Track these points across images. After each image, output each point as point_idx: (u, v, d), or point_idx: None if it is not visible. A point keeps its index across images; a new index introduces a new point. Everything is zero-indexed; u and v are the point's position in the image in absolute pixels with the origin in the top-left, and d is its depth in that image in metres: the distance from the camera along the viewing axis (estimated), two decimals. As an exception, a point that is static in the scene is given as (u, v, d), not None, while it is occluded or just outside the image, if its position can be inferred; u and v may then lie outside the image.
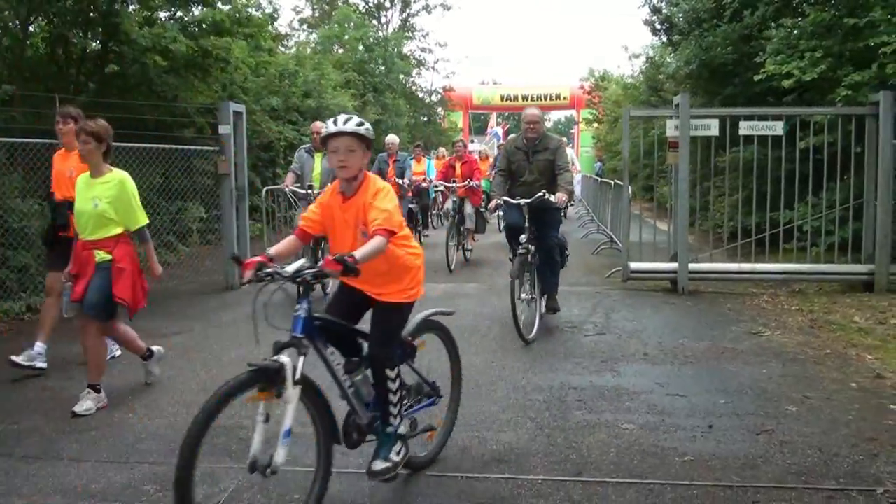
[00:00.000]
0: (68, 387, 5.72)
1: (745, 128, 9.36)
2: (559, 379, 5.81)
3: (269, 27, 14.40)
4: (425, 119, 32.46)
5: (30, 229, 8.63)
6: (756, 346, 6.81)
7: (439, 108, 35.17)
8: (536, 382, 5.72)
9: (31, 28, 10.79)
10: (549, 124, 75.84)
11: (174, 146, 10.27)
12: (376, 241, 3.50)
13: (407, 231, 4.00)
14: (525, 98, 39.18)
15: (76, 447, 4.57)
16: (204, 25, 10.89)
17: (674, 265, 9.38)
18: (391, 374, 3.88)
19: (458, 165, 12.51)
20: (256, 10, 12.55)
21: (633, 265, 9.60)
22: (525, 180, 7.34)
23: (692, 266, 9.38)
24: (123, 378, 5.97)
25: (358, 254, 3.38)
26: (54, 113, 8.96)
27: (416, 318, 4.22)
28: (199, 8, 11.21)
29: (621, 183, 14.09)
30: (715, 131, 9.39)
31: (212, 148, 10.46)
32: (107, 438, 4.70)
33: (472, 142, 39.23)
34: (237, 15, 11.30)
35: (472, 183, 11.88)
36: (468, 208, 11.91)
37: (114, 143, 9.29)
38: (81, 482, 4.07)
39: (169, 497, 3.81)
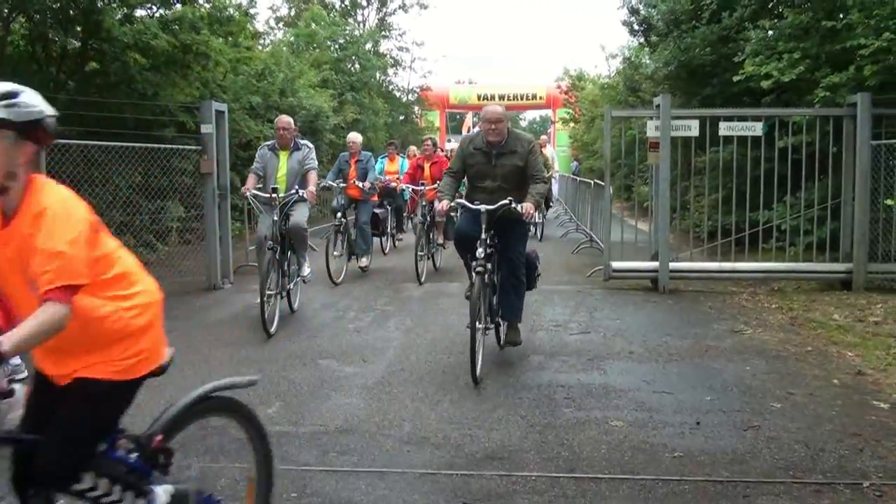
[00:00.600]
0: None
1: (724, 128, 9.48)
2: (547, 377, 5.86)
3: (249, 27, 14.33)
4: (402, 118, 32.45)
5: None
6: (738, 343, 6.90)
7: (416, 108, 35.17)
8: (525, 381, 5.77)
9: (11, 25, 10.65)
10: (523, 123, 76.13)
11: (154, 145, 10.19)
12: (45, 315, 2.26)
13: (119, 270, 2.62)
14: (502, 97, 39.18)
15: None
16: (183, 23, 10.82)
17: (655, 264, 9.47)
18: None
19: (426, 166, 11.45)
20: (234, 10, 12.44)
21: (615, 264, 9.68)
22: (486, 187, 6.13)
23: (673, 265, 9.48)
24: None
25: (7, 341, 2.19)
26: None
27: (186, 398, 2.99)
28: (179, 6, 11.14)
29: (601, 183, 14.21)
30: (695, 132, 9.49)
31: (192, 147, 10.40)
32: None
33: (450, 141, 39.32)
34: (218, 14, 11.25)
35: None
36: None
37: (94, 143, 9.37)
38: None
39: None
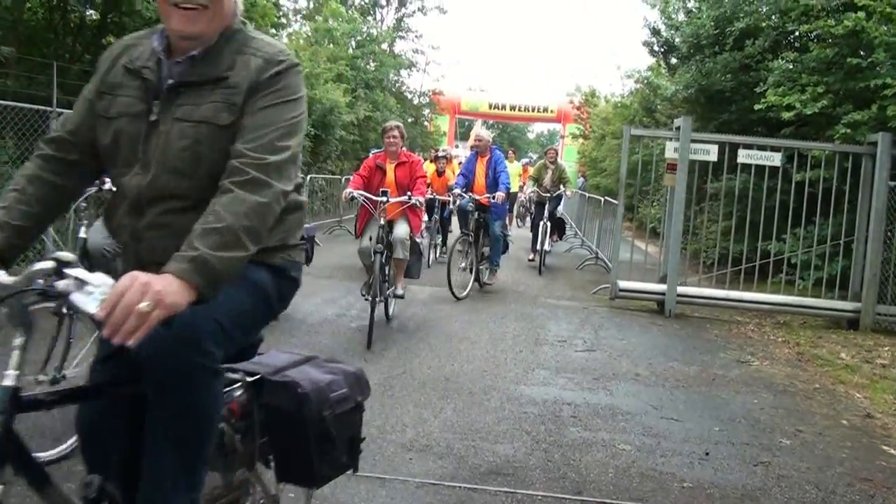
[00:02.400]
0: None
1: (743, 156, 9.38)
2: (553, 393, 5.74)
3: (274, 16, 14.21)
4: (412, 120, 32.34)
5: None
6: (745, 374, 6.80)
7: (426, 111, 35.07)
8: (529, 395, 5.64)
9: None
10: (531, 136, 76.41)
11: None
12: None
13: None
14: (513, 108, 39.33)
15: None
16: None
17: (662, 287, 9.37)
18: None
19: (389, 168, 7.73)
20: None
21: (622, 284, 9.57)
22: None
23: (680, 289, 9.37)
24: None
25: None
26: (51, 79, 8.80)
27: None
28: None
29: (612, 201, 14.11)
30: (714, 157, 9.41)
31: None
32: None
33: (457, 146, 39.26)
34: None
35: (414, 200, 7.37)
36: (399, 228, 7.47)
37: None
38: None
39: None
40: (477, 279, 9.90)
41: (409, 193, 7.38)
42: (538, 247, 12.69)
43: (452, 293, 9.19)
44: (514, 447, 4.58)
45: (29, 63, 9.88)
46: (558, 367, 6.55)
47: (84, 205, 4.70)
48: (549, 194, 12.91)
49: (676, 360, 7.07)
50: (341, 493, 3.77)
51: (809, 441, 5.14)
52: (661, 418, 5.35)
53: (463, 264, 9.66)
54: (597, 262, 13.78)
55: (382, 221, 7.14)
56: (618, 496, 3.99)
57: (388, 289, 7.53)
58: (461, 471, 4.17)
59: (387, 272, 7.41)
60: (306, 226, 7.38)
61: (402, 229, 7.44)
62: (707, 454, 4.70)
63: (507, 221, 14.09)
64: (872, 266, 8.93)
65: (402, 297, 7.80)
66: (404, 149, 7.85)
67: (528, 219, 21.27)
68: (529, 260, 13.30)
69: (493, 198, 9.44)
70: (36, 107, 8.53)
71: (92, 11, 10.92)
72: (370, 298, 6.83)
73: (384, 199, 7.12)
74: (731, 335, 8.52)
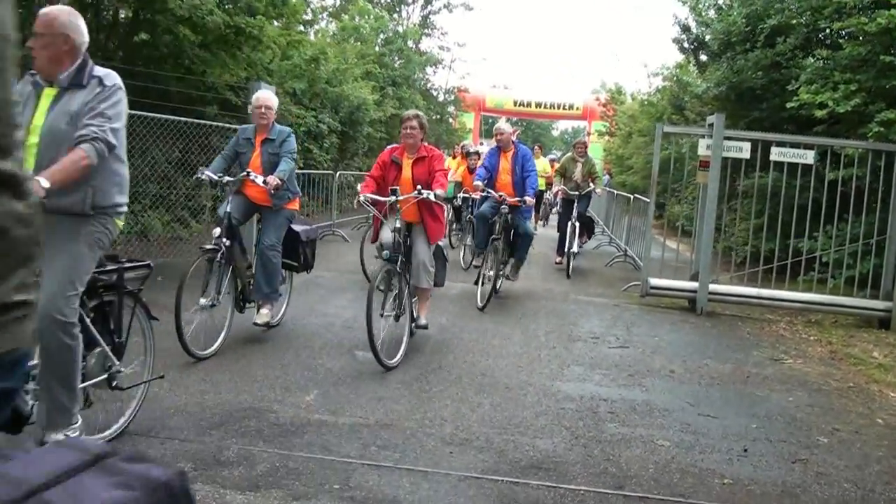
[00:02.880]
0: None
1: (776, 154, 9.33)
2: (589, 389, 5.77)
3: (304, 14, 14.31)
4: (437, 118, 32.39)
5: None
6: (779, 372, 6.78)
7: (451, 108, 35.10)
8: (566, 391, 5.68)
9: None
10: (555, 133, 76.28)
11: (195, 121, 10.20)
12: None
13: None
14: (538, 105, 39.22)
15: (102, 417, 4.48)
16: (238, 3, 10.80)
17: (694, 284, 9.35)
18: None
19: (406, 164, 6.62)
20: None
21: (653, 281, 9.56)
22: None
23: (712, 287, 9.35)
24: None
25: None
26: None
27: None
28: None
29: (641, 198, 14.09)
30: (746, 154, 9.38)
31: (233, 126, 10.38)
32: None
33: (482, 144, 39.23)
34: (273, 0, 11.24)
35: (427, 193, 6.22)
36: (419, 247, 6.56)
37: (137, 112, 9.33)
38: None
39: (207, 476, 3.78)
40: (494, 288, 8.78)
41: (419, 187, 6.25)
42: (566, 248, 11.78)
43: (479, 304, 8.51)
44: (554, 442, 4.62)
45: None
46: (592, 363, 6.58)
47: None
48: (577, 192, 12.04)
49: (710, 358, 7.07)
50: (386, 486, 3.84)
51: (846, 439, 5.14)
52: (699, 415, 5.37)
53: (487, 272, 8.76)
54: (625, 259, 13.75)
55: (398, 224, 6.25)
56: (659, 491, 4.02)
57: (400, 313, 6.31)
58: (502, 465, 4.22)
59: (402, 290, 6.30)
60: (306, 227, 7.14)
61: (422, 250, 6.51)
62: (745, 451, 4.72)
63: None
64: (905, 265, 8.86)
65: (425, 327, 6.67)
66: (425, 143, 6.68)
67: (550, 217, 20.67)
68: (556, 263, 12.52)
69: (524, 202, 8.65)
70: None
71: (125, 7, 11.02)
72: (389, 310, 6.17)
73: (392, 198, 6.23)
74: (764, 333, 8.49)
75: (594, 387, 5.86)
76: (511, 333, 7.46)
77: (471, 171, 12.09)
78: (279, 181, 6.16)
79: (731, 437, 4.97)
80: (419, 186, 6.24)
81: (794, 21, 11.62)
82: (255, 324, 6.47)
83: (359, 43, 25.00)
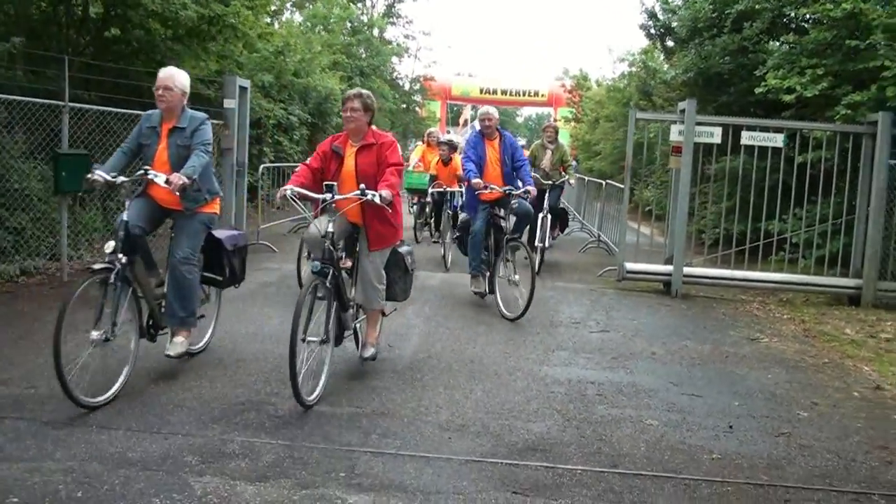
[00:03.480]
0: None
1: (746, 138, 9.55)
2: (576, 373, 5.92)
3: (273, 4, 14.27)
4: (404, 106, 32.43)
5: (30, 190, 8.50)
6: (756, 351, 7.00)
7: (418, 97, 35.12)
8: (554, 375, 5.82)
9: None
10: (519, 119, 76.47)
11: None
12: None
13: None
14: (504, 92, 39.39)
15: (102, 415, 4.53)
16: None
17: (669, 268, 9.55)
18: None
19: (349, 153, 5.50)
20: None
21: (629, 265, 9.74)
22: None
23: (686, 270, 9.55)
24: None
25: None
26: (62, 74, 8.84)
27: None
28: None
29: (613, 184, 14.30)
30: (717, 139, 9.58)
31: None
32: (132, 408, 4.66)
33: (449, 132, 39.32)
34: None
35: (372, 195, 5.13)
36: (364, 258, 5.57)
37: (111, 109, 9.29)
38: (116, 450, 4.05)
39: (214, 469, 3.86)
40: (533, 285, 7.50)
41: (362, 187, 5.15)
42: (537, 243, 10.47)
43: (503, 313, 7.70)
44: (547, 425, 4.76)
45: (32, 56, 9.91)
46: (576, 347, 6.73)
47: None
48: (550, 181, 11.13)
49: (689, 339, 7.27)
50: (391, 472, 3.95)
51: (825, 413, 5.35)
52: (683, 394, 5.54)
53: (511, 276, 7.80)
54: (599, 244, 13.95)
55: (329, 228, 5.08)
56: (652, 468, 4.18)
57: (326, 340, 5.11)
58: (500, 448, 4.35)
59: (329, 311, 5.10)
60: (231, 233, 6.08)
61: (368, 261, 5.48)
62: (731, 427, 4.90)
63: None
64: (873, 243, 9.14)
65: (372, 358, 5.64)
66: (374, 127, 5.52)
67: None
68: (524, 258, 9.64)
69: (527, 193, 7.81)
70: (48, 101, 8.59)
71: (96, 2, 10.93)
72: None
73: (327, 195, 5.12)
74: (738, 313, 8.72)
75: (580, 370, 6.01)
76: (493, 321, 7.58)
77: (444, 162, 11.86)
78: (186, 180, 4.98)
79: (716, 414, 5.15)
80: (362, 185, 5.15)
81: (760, 6, 11.84)
82: (168, 355, 5.28)
83: (326, 33, 24.92)
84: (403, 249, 5.80)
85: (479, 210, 8.00)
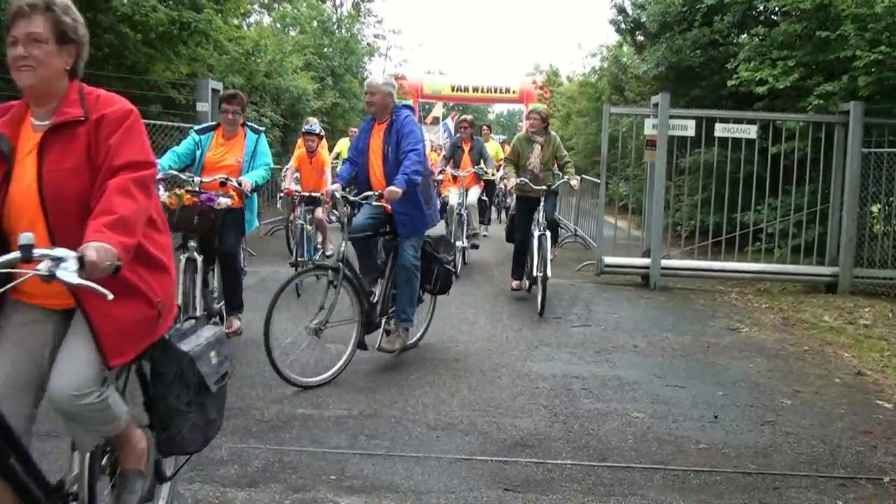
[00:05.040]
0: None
1: (720, 130, 9.62)
2: (559, 368, 5.93)
3: (247, 6, 14.18)
4: (376, 106, 32.29)
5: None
6: (737, 341, 7.05)
7: (390, 96, 35.00)
8: (538, 371, 5.83)
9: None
10: (491, 116, 76.66)
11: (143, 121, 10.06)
12: None
13: None
14: (476, 90, 39.31)
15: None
16: (185, 0, 10.67)
17: (646, 261, 9.60)
18: None
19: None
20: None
21: (607, 259, 9.79)
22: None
23: (664, 262, 9.62)
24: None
25: None
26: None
27: None
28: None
29: (588, 178, 14.35)
30: (692, 132, 9.65)
31: (176, 124, 10.28)
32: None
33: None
34: (215, -9, 11.14)
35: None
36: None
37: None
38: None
39: (204, 475, 3.82)
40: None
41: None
42: (534, 272, 7.95)
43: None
44: (534, 420, 4.77)
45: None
46: (559, 342, 6.75)
47: None
48: (542, 186, 8.12)
49: (670, 331, 7.31)
50: (381, 473, 3.94)
51: (808, 400, 5.40)
52: (667, 386, 5.58)
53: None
54: (575, 239, 14.01)
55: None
56: (640, 460, 4.20)
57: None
58: (488, 445, 4.35)
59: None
60: None
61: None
62: (716, 417, 4.94)
63: (485, 218, 12.62)
64: (849, 231, 9.25)
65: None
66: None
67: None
68: (512, 288, 8.68)
69: (376, 196, 5.62)
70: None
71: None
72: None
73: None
74: (717, 304, 8.79)
75: (564, 365, 6.02)
76: (476, 318, 7.59)
77: (310, 152, 9.54)
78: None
79: (701, 405, 5.18)
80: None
81: (730, 0, 11.94)
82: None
83: (301, 34, 24.83)
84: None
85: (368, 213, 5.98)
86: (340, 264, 5.43)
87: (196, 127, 6.33)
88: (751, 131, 9.64)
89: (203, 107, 9.66)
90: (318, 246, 9.47)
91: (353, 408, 4.91)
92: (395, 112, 5.77)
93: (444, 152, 11.95)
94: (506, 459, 4.15)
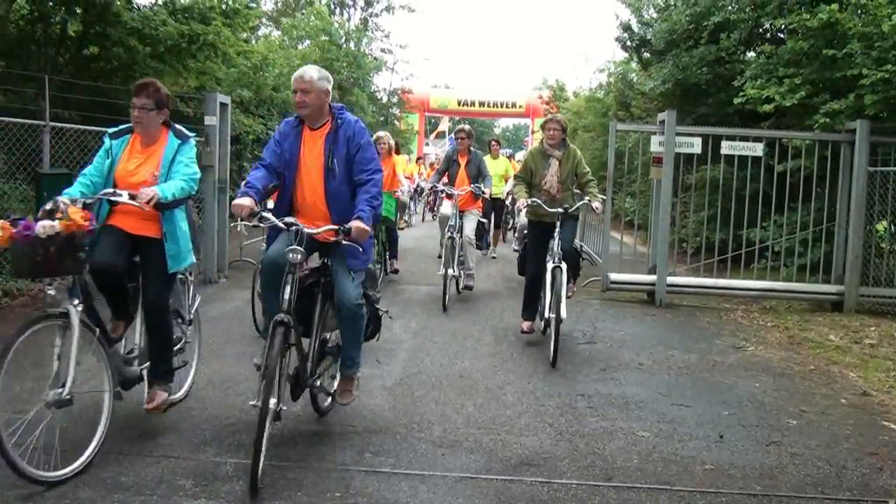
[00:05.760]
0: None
1: (726, 147, 9.65)
2: (565, 385, 5.93)
3: (256, 20, 14.28)
4: (382, 119, 32.41)
5: (12, 210, 8.43)
6: (743, 360, 7.04)
7: (396, 110, 35.13)
8: (544, 388, 5.83)
9: (15, 2, 10.50)
10: (497, 130, 76.71)
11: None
12: None
13: None
14: (482, 104, 39.47)
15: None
16: (192, 12, 10.75)
17: (652, 277, 9.60)
18: None
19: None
20: (238, 4, 12.38)
21: (613, 276, 9.79)
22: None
23: (669, 279, 9.62)
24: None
25: None
26: (42, 93, 8.79)
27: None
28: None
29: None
30: (698, 149, 9.66)
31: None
32: (121, 432, 4.59)
33: (427, 145, 39.37)
34: (224, 6, 11.19)
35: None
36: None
37: (91, 128, 9.23)
38: (109, 475, 4.00)
39: (209, 492, 3.83)
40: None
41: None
42: (546, 311, 6.83)
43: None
44: (540, 439, 4.76)
45: (10, 76, 9.84)
46: (565, 359, 6.73)
47: None
48: (559, 209, 6.89)
49: (675, 349, 7.30)
50: (386, 491, 3.94)
51: (814, 420, 5.39)
52: (672, 405, 5.57)
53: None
54: (581, 255, 13.99)
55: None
56: (646, 480, 4.19)
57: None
58: (494, 464, 4.35)
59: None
60: None
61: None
62: (721, 437, 4.93)
63: (483, 242, 11.79)
64: (854, 249, 9.24)
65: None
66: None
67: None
68: (523, 331, 7.41)
69: (345, 233, 4.28)
70: (28, 121, 8.54)
71: (74, 21, 10.88)
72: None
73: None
74: (723, 322, 8.78)
75: (570, 383, 6.02)
76: (482, 334, 7.59)
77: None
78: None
79: (706, 424, 5.18)
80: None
81: (737, 17, 11.98)
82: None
83: (317, 49, 24.97)
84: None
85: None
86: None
87: (110, 130, 4.68)
88: (757, 149, 9.65)
89: (211, 120, 9.70)
90: None
91: (359, 423, 4.91)
92: (338, 115, 4.59)
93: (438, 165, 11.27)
94: (511, 478, 4.15)
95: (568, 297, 7.14)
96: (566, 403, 5.49)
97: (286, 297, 4.14)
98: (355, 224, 4.26)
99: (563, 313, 6.63)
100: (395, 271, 10.40)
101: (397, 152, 13.05)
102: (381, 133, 9.82)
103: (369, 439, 4.64)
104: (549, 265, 6.82)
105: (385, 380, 5.90)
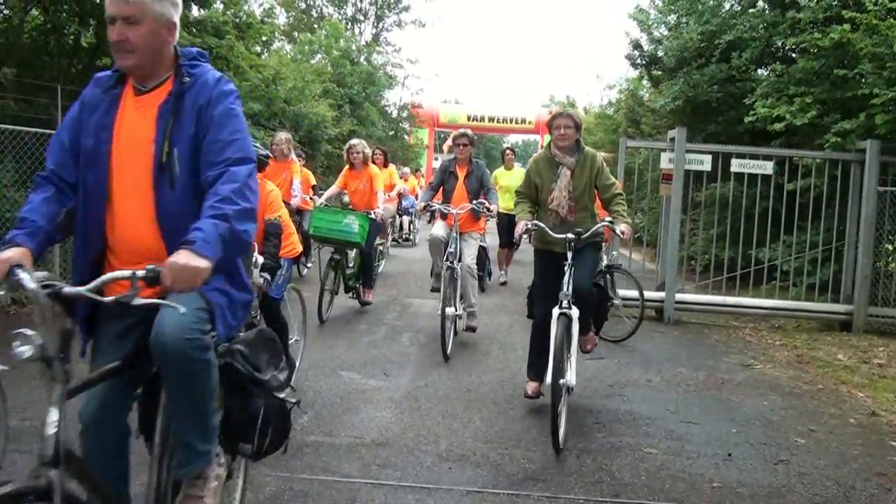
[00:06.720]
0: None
1: (736, 165, 9.66)
2: (573, 401, 5.87)
3: (270, 34, 14.36)
4: (392, 133, 32.54)
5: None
6: (751, 378, 7.02)
7: (405, 124, 35.27)
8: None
9: (29, 13, 10.58)
10: (506, 145, 76.87)
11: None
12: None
13: None
14: (491, 119, 39.55)
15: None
16: (205, 25, 10.82)
17: (661, 294, 9.59)
18: None
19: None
20: (250, 18, 12.47)
21: (621, 292, 9.75)
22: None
23: (678, 296, 9.60)
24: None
25: None
26: (55, 102, 8.84)
27: None
28: (199, 10, 11.13)
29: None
30: (708, 166, 9.67)
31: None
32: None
33: (436, 159, 39.44)
34: (237, 20, 11.27)
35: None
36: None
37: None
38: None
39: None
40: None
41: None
42: (547, 375, 4.93)
43: None
44: (547, 454, 4.75)
45: (23, 85, 9.91)
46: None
47: None
48: (569, 235, 5.27)
49: (683, 366, 7.28)
50: (391, 502, 3.93)
51: (822, 440, 5.36)
52: (681, 422, 5.55)
53: None
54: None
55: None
56: (654, 497, 4.18)
57: None
58: (500, 479, 4.34)
59: None
60: None
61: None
62: (730, 455, 4.91)
63: (485, 272, 10.62)
64: (864, 269, 9.22)
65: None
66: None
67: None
68: (528, 395, 5.72)
69: (143, 279, 2.24)
70: (40, 130, 8.59)
71: (87, 32, 10.95)
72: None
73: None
74: (731, 340, 8.75)
75: (577, 398, 5.99)
76: (489, 349, 7.59)
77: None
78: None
79: (714, 442, 5.16)
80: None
81: (749, 36, 12.02)
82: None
83: (328, 64, 25.13)
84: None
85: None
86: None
87: None
88: (767, 167, 9.66)
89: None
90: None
91: (366, 435, 4.91)
92: (186, 68, 2.67)
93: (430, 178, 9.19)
94: (518, 493, 4.14)
95: (586, 352, 6.17)
96: (574, 419, 5.47)
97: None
98: (173, 260, 2.25)
99: (572, 379, 5.10)
100: (367, 303, 9.12)
101: (385, 164, 12.12)
102: (353, 141, 8.99)
103: (376, 452, 4.64)
104: (555, 311, 5.10)
105: (393, 393, 5.90)
